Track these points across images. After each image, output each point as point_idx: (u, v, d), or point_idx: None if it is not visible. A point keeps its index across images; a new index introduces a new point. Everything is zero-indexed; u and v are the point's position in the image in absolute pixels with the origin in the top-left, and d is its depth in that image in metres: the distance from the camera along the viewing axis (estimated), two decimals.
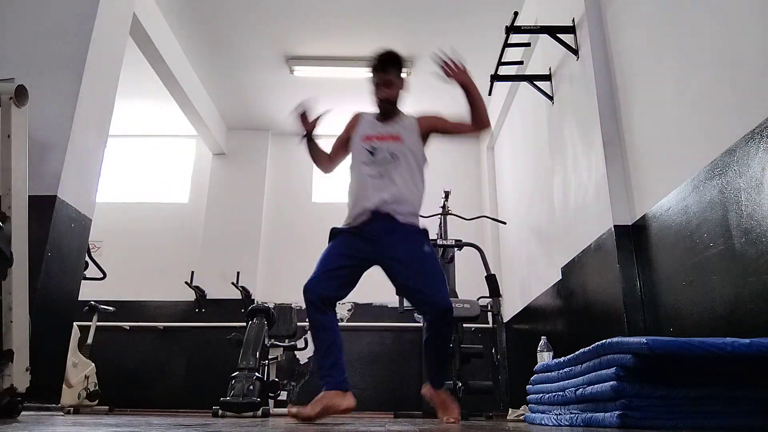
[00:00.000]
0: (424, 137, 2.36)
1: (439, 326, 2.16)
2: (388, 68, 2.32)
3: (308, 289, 2.08)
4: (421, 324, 4.70)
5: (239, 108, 6.02)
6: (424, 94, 5.60)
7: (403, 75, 2.38)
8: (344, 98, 5.19)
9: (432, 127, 2.35)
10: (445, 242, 4.33)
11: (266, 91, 5.70)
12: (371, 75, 2.34)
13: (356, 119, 2.41)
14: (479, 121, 2.27)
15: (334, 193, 6.09)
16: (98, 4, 3.10)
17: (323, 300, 2.07)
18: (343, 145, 2.41)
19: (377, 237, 2.16)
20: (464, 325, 3.71)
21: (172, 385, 5.38)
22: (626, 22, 2.69)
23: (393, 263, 2.16)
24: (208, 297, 5.65)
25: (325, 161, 2.41)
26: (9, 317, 1.85)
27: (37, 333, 2.14)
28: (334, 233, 2.26)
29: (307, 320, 2.12)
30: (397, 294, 2.30)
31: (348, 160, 2.39)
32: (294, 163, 6.41)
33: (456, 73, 2.24)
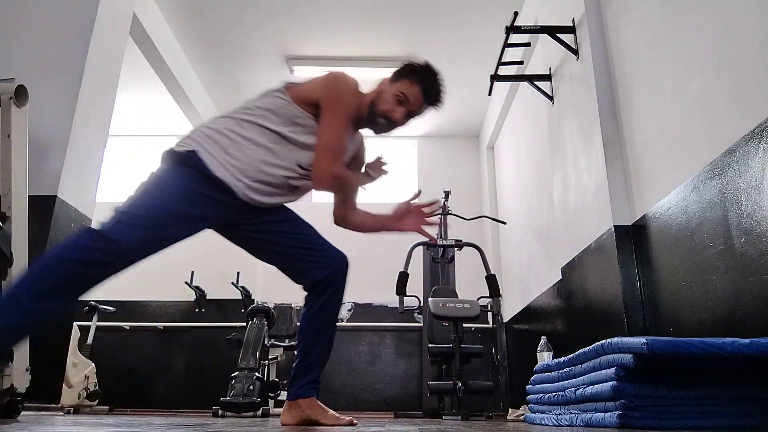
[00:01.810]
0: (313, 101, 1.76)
1: (339, 290, 1.80)
2: (430, 104, 1.79)
3: (121, 248, 1.48)
4: (421, 319, 4.69)
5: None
6: None
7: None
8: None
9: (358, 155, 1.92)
10: (445, 242, 4.33)
11: None
12: (403, 82, 1.75)
13: (359, 101, 1.76)
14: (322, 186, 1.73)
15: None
16: (98, 4, 3.11)
17: (124, 261, 1.56)
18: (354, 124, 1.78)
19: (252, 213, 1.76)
20: (464, 325, 3.71)
21: (172, 385, 5.38)
22: (626, 22, 2.69)
23: (271, 227, 1.80)
24: (208, 297, 5.65)
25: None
26: None
27: (37, 333, 2.14)
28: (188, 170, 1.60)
29: (79, 277, 1.49)
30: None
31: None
32: None
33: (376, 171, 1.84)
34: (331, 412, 1.78)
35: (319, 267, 1.76)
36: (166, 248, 1.59)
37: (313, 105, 1.69)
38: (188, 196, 1.59)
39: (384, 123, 1.76)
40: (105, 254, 1.45)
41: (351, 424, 1.73)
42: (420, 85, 1.74)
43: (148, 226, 1.51)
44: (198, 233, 1.70)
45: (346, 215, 1.92)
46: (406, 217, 1.85)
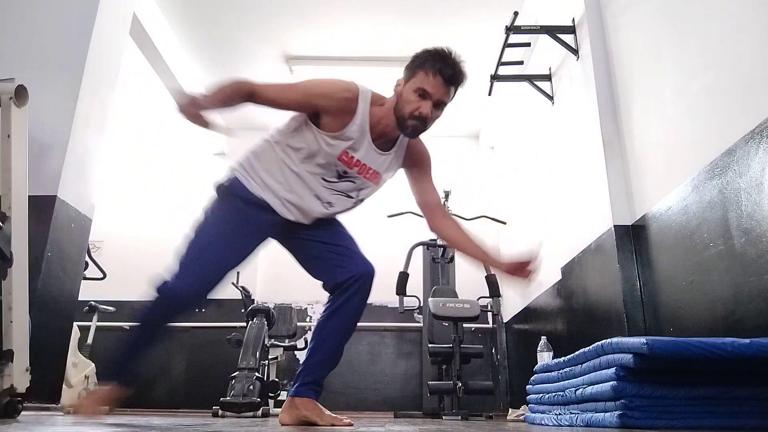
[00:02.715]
0: (406, 166, 1.90)
1: (363, 293, 1.81)
2: (452, 83, 1.68)
3: (184, 297, 1.77)
4: (419, 319, 4.70)
5: (239, 108, 6.02)
6: None
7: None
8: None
9: (421, 162, 1.91)
10: (445, 242, 4.33)
11: None
12: (418, 76, 1.66)
13: (354, 108, 1.68)
14: (450, 238, 1.93)
15: None
16: (98, 4, 3.10)
17: (194, 306, 1.94)
18: (305, 110, 1.73)
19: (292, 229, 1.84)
20: (464, 325, 3.71)
21: (172, 385, 5.38)
22: (626, 22, 2.69)
23: (307, 237, 1.88)
24: (208, 297, 5.64)
25: (235, 103, 1.78)
26: (9, 317, 1.85)
27: (37, 333, 2.14)
28: (231, 204, 1.79)
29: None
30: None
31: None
32: None
33: (517, 272, 1.73)
34: (329, 413, 1.77)
35: (342, 271, 1.79)
36: (232, 270, 1.80)
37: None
38: (234, 225, 1.75)
39: (416, 123, 1.67)
40: (173, 307, 1.77)
41: (349, 425, 1.73)
42: (434, 70, 1.63)
43: (202, 269, 1.74)
44: (258, 247, 1.86)
45: (435, 223, 1.93)
46: (515, 270, 1.73)
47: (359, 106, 1.69)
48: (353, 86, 1.71)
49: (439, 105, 1.68)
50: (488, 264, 1.90)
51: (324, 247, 1.85)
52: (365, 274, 1.80)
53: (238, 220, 1.74)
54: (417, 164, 1.90)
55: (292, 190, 1.75)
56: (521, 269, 1.70)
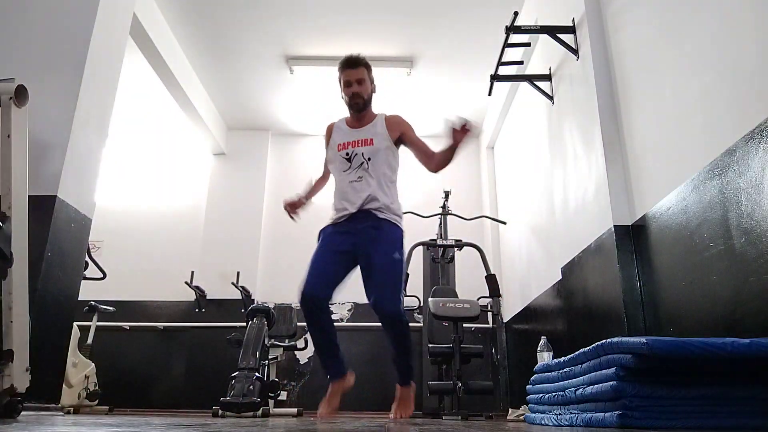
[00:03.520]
0: (396, 138, 2.49)
1: (387, 329, 2.33)
2: (357, 66, 2.45)
3: (304, 296, 2.24)
4: (420, 324, 4.70)
5: (239, 108, 6.02)
6: (424, 94, 5.61)
7: (372, 76, 2.53)
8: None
9: (401, 130, 2.50)
10: (445, 242, 4.33)
11: (266, 91, 5.70)
12: (340, 75, 2.46)
13: (330, 130, 2.58)
14: (439, 165, 2.38)
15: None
16: (98, 4, 3.10)
17: (317, 303, 2.26)
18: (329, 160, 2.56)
19: (358, 229, 2.35)
20: (464, 325, 3.71)
21: (172, 385, 5.38)
22: (626, 22, 2.69)
23: (365, 260, 2.33)
24: (208, 297, 5.64)
25: (321, 187, 2.69)
26: (9, 317, 1.85)
27: (37, 333, 2.14)
28: (321, 232, 2.46)
29: (305, 321, 2.28)
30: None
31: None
32: (294, 163, 6.41)
33: (460, 136, 2.21)
34: (399, 406, 2.48)
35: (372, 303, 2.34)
36: None
37: None
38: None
39: (353, 102, 2.46)
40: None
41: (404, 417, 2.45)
42: (341, 67, 2.48)
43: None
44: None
45: (430, 167, 2.45)
46: (454, 134, 2.21)
47: (335, 124, 2.61)
48: (330, 125, 2.62)
49: (360, 81, 2.44)
50: (448, 150, 2.29)
51: (373, 278, 2.35)
52: (380, 314, 2.29)
53: None
54: (401, 131, 2.50)
55: (337, 195, 2.51)
56: (461, 132, 2.17)
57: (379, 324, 2.34)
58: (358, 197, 2.36)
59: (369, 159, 2.41)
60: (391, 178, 2.48)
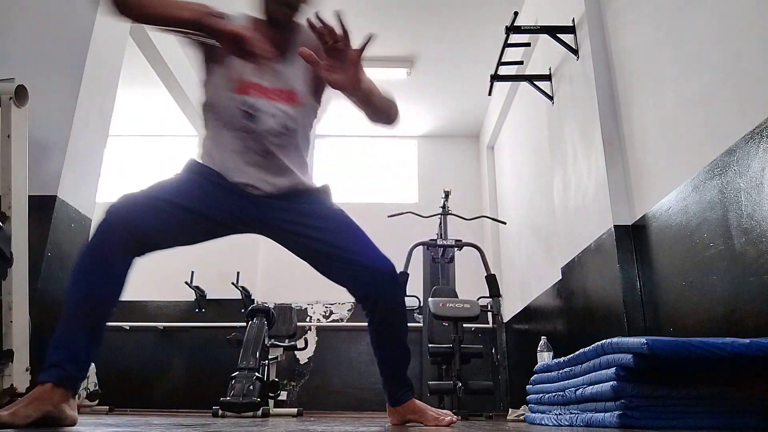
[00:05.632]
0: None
1: (385, 311, 1.74)
2: None
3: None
4: (420, 322, 4.70)
5: None
6: (424, 94, 5.61)
7: None
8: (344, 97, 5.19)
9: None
10: (445, 242, 4.33)
11: None
12: None
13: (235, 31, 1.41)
14: (381, 117, 1.67)
15: (334, 192, 6.08)
16: (98, 3, 3.10)
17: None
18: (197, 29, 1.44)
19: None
20: (464, 325, 3.71)
21: (172, 385, 5.38)
22: (626, 22, 2.69)
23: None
24: (208, 297, 5.65)
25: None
26: (9, 317, 1.86)
27: (37, 333, 2.14)
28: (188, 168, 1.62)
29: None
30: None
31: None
32: None
33: (345, 45, 1.49)
34: (431, 412, 1.72)
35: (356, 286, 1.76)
36: None
37: None
38: None
39: (274, 7, 1.57)
40: None
41: (451, 423, 1.69)
42: None
43: None
44: None
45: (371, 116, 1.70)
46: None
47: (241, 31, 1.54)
48: None
49: None
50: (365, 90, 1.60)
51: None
52: (380, 282, 1.76)
53: None
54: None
55: (215, 151, 1.72)
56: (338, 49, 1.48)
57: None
58: (258, 177, 1.67)
59: (287, 129, 1.68)
60: (305, 149, 1.81)
